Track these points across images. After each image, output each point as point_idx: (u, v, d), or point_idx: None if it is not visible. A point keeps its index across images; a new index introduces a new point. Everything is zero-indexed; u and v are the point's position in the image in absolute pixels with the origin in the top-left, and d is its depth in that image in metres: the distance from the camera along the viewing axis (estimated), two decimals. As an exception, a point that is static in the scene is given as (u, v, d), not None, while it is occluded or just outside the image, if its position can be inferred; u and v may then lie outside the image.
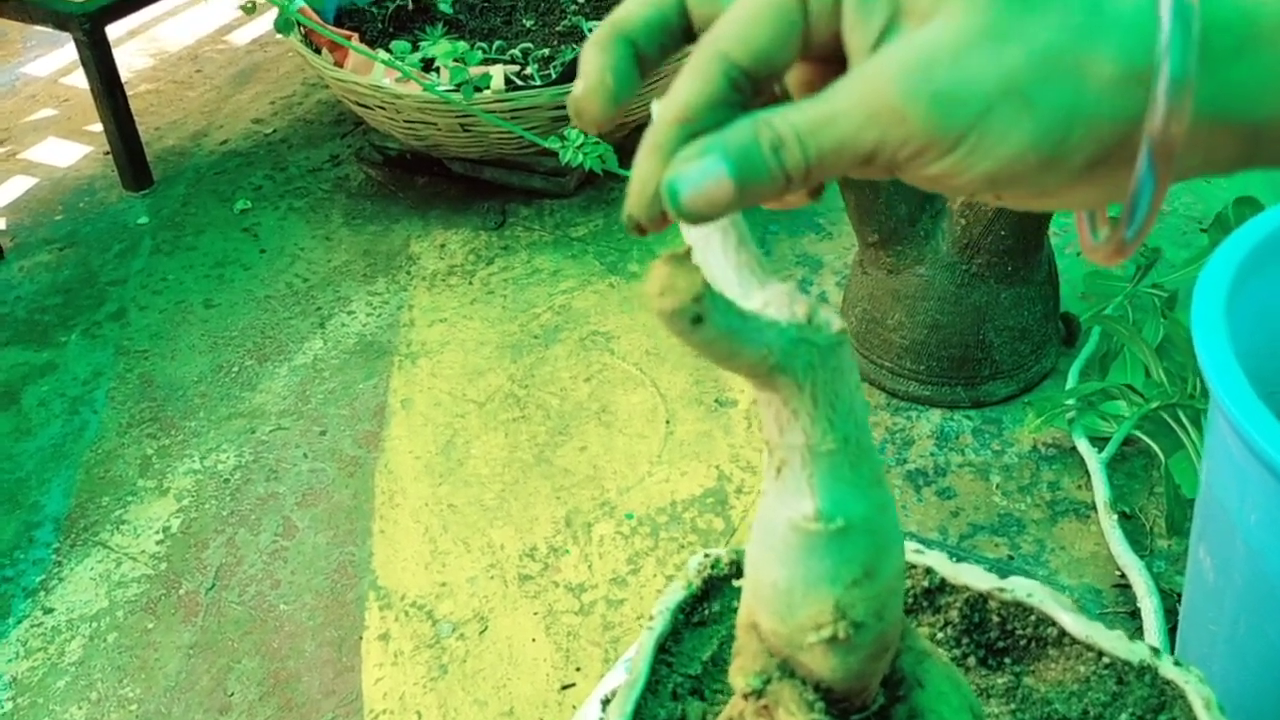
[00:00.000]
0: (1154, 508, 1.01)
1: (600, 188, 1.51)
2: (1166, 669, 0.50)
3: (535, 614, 0.97)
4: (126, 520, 1.10)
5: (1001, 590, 0.54)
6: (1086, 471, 1.05)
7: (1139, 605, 0.91)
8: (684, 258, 0.32)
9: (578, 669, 0.92)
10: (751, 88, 0.31)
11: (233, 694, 0.94)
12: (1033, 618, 0.54)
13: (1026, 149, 0.28)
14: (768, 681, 0.41)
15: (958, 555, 0.99)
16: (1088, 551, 0.98)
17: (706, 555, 0.57)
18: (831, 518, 0.38)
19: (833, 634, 0.39)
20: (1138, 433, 1.04)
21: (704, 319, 0.32)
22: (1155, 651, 0.51)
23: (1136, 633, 0.91)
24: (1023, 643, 0.54)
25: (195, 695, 0.94)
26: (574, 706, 0.90)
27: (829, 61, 0.32)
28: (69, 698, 0.94)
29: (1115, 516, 0.98)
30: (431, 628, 0.97)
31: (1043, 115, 0.28)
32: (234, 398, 1.24)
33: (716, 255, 0.38)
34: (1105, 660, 0.52)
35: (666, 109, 0.31)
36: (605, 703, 0.64)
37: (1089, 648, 0.53)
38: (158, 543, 1.08)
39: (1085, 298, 1.25)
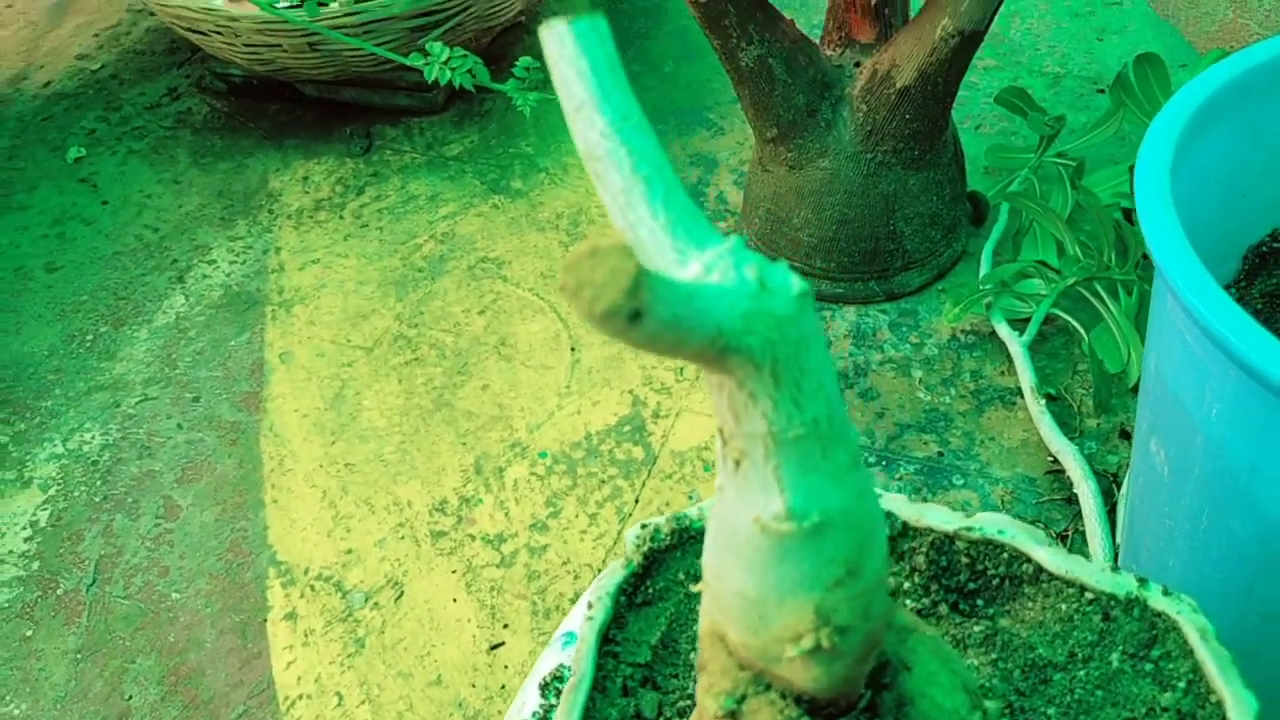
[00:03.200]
0: (1079, 386, 0.99)
1: (472, 101, 1.40)
2: (1155, 600, 0.46)
3: (453, 572, 0.90)
4: (-13, 520, 0.99)
5: (969, 529, 0.50)
6: (1008, 356, 1.02)
7: (1075, 491, 0.89)
8: (607, 244, 0.25)
9: (505, 626, 0.87)
10: None
11: (131, 698, 0.86)
12: (1005, 555, 0.49)
13: None
14: (742, 700, 0.35)
15: (887, 458, 0.96)
16: (1017, 440, 0.96)
17: (644, 527, 0.51)
18: (805, 515, 0.32)
19: (815, 644, 0.33)
20: (1056, 310, 1.01)
21: (643, 313, 0.25)
22: (1142, 582, 0.47)
23: (1075, 519, 0.89)
24: (995, 583, 0.50)
25: (89, 703, 0.86)
26: (505, 667, 0.84)
27: None
28: (-54, 726, 0.85)
29: (1042, 401, 0.95)
30: (342, 600, 0.90)
31: None
32: (92, 369, 1.12)
33: (641, 212, 0.31)
34: (1088, 595, 0.47)
35: None
36: (544, 687, 0.58)
37: (1069, 583, 0.48)
38: (26, 540, 0.97)
39: (989, 172, 1.21)
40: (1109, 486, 0.90)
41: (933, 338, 1.05)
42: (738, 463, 0.33)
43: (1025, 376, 0.98)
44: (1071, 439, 0.93)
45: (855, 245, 1.05)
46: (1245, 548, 0.60)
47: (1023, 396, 0.98)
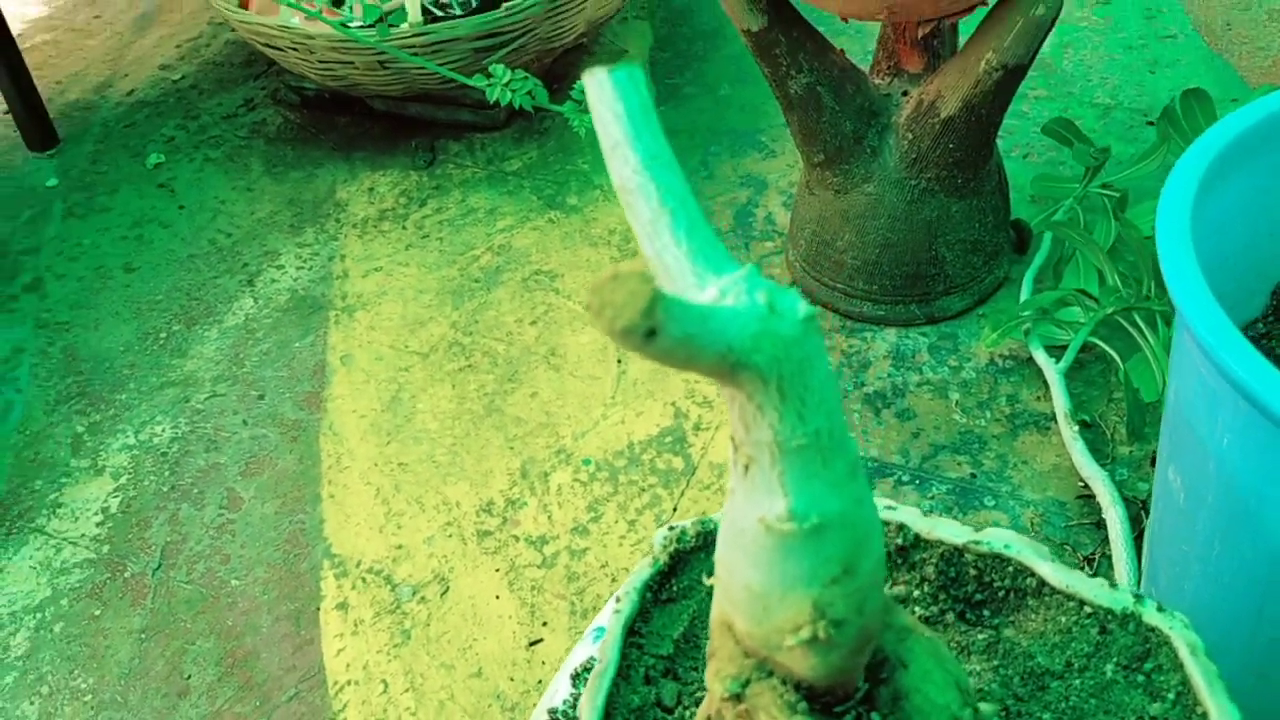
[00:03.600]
0: (1113, 414, 1.01)
1: (532, 119, 1.45)
2: (1150, 615, 0.49)
3: (497, 570, 0.95)
4: (63, 503, 1.05)
5: (977, 543, 0.53)
6: (1045, 382, 1.04)
7: (1104, 516, 0.91)
8: (628, 270, 0.29)
9: (544, 624, 0.91)
10: None
11: (190, 676, 0.91)
12: (1010, 569, 0.52)
13: None
14: (746, 684, 0.39)
15: (920, 477, 0.98)
16: (1050, 464, 0.98)
17: (671, 529, 0.54)
18: (805, 517, 0.36)
19: (812, 635, 0.37)
20: (1094, 339, 1.03)
21: (658, 331, 0.29)
22: (1139, 598, 0.49)
23: (1103, 543, 0.91)
24: (1001, 595, 0.52)
25: (151, 681, 0.91)
26: (543, 663, 0.88)
27: None
28: (19, 694, 0.91)
29: (1076, 427, 0.97)
30: (391, 592, 0.94)
31: None
32: (164, 366, 1.18)
33: (666, 241, 0.35)
34: (1087, 609, 0.50)
35: None
36: (575, 678, 0.61)
37: (1069, 597, 0.51)
38: (98, 525, 1.03)
39: (1035, 200, 1.23)
40: (1138, 513, 0.92)
41: (971, 361, 1.07)
42: (746, 468, 0.36)
43: (1060, 402, 1.00)
44: (1103, 465, 0.95)
45: (897, 269, 1.08)
46: (1255, 571, 0.62)
47: (1057, 422, 1.00)
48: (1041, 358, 1.04)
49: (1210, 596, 0.67)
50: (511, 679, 0.87)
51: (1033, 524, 0.93)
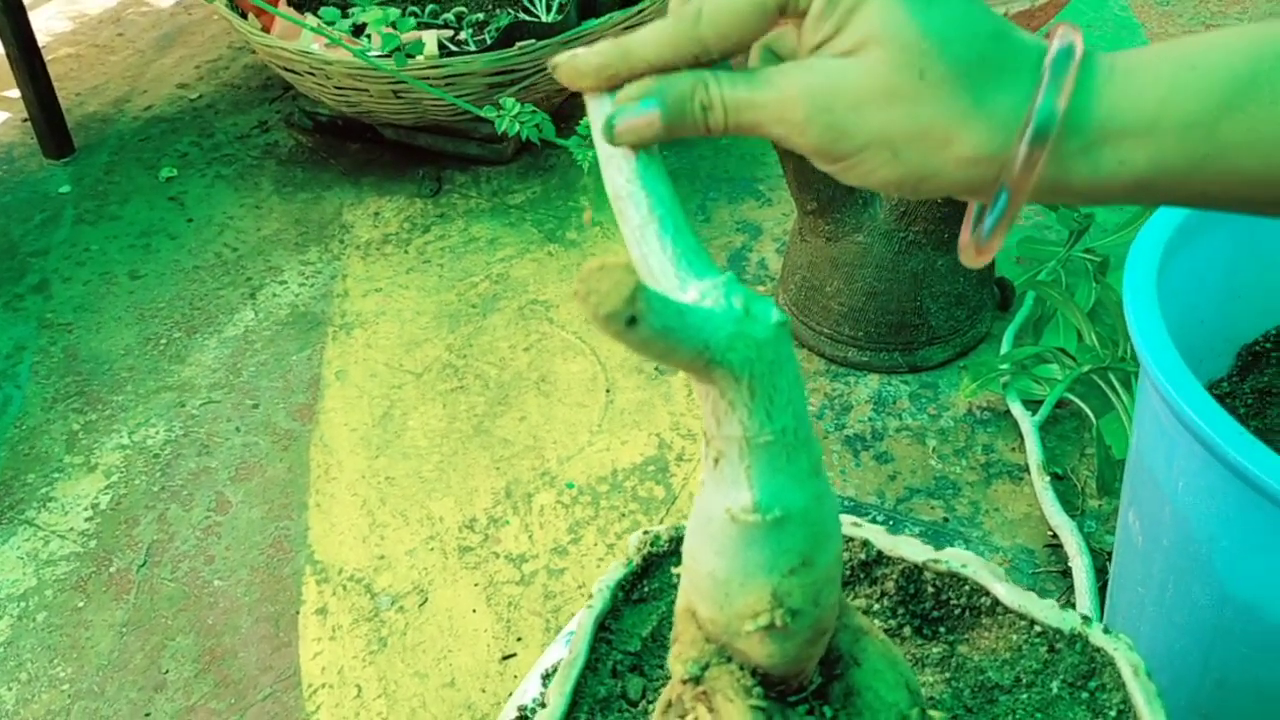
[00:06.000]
0: (1085, 469, 1.03)
1: (538, 155, 1.49)
2: (1096, 636, 0.51)
3: (476, 585, 0.97)
4: (54, 498, 1.07)
5: (937, 561, 0.55)
6: (1020, 434, 1.07)
7: (1070, 565, 0.93)
8: (614, 261, 0.32)
9: (519, 639, 0.92)
10: (711, 63, 0.38)
11: (167, 671, 0.92)
12: (967, 588, 0.55)
13: (890, 183, 0.37)
14: (705, 668, 0.41)
15: (894, 518, 1.01)
16: (1021, 513, 1.00)
17: (646, 533, 0.57)
18: (768, 509, 0.38)
19: (770, 622, 0.39)
20: (1070, 395, 1.06)
21: (639, 320, 0.32)
22: (1086, 620, 0.52)
23: (1068, 591, 0.93)
24: (957, 612, 0.55)
25: (129, 674, 0.92)
26: (515, 677, 0.90)
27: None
28: (-2, 681, 0.92)
29: (1048, 478, 1.00)
30: (370, 601, 0.96)
31: (905, 168, 0.37)
32: (162, 371, 1.21)
33: (653, 245, 0.38)
34: (1037, 628, 0.53)
35: (635, 50, 0.38)
36: (546, 678, 0.64)
37: (1021, 616, 0.53)
38: (87, 520, 1.05)
39: (1020, 262, 1.26)
40: (1104, 564, 0.95)
41: (950, 411, 1.10)
42: (716, 461, 0.39)
43: (1034, 454, 1.03)
44: (1073, 516, 0.98)
45: (883, 317, 1.11)
46: (1204, 615, 0.65)
47: (1030, 473, 1.03)
48: (1018, 410, 1.07)
49: (1163, 638, 0.69)
50: (484, 690, 0.89)
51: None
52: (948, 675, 0.53)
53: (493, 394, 1.15)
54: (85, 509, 1.06)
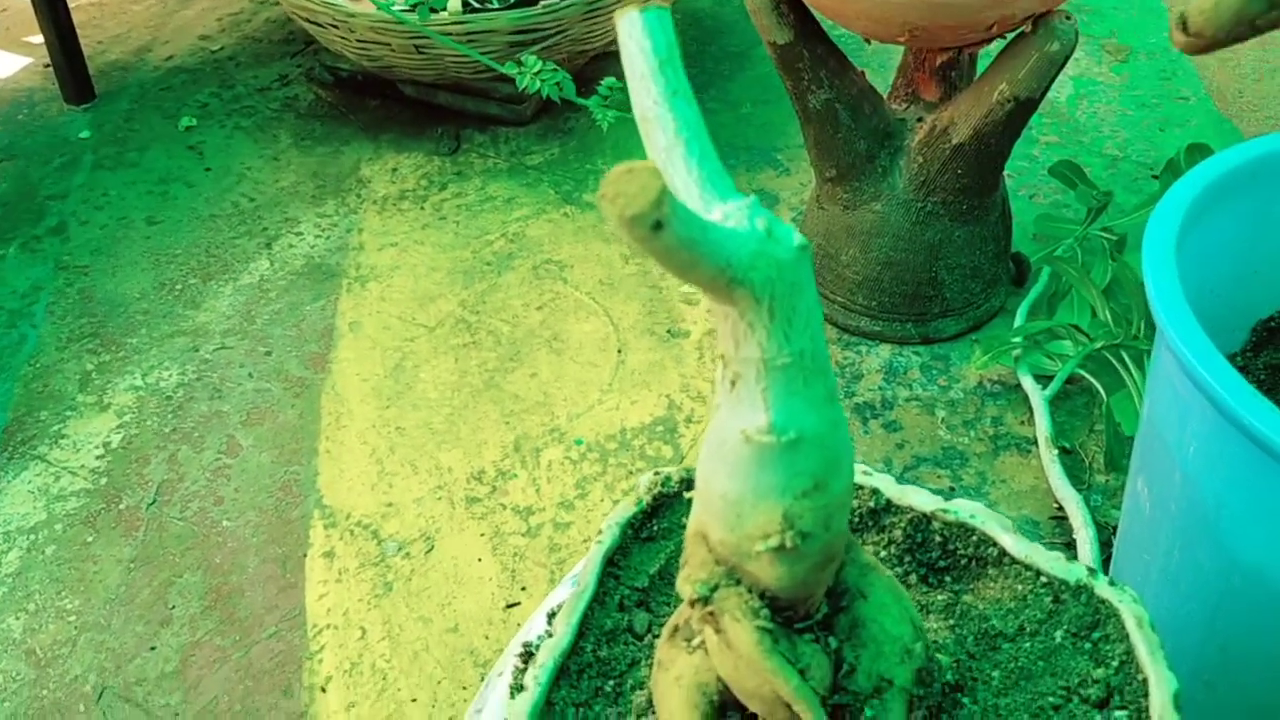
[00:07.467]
0: (1093, 444, 1.04)
1: (557, 116, 1.49)
2: (1101, 588, 0.52)
3: (482, 535, 0.97)
4: (66, 435, 1.08)
5: (945, 511, 0.55)
6: (1030, 408, 1.07)
7: (1074, 537, 0.94)
8: (641, 165, 0.32)
9: (523, 589, 0.93)
10: None
11: (174, 607, 0.93)
12: (974, 538, 0.55)
13: None
14: (714, 589, 0.41)
15: (901, 485, 1.01)
16: (1027, 485, 1.00)
17: (657, 473, 0.57)
18: (784, 430, 0.38)
19: (780, 543, 0.39)
20: (1081, 371, 1.06)
21: (664, 225, 0.32)
22: (1091, 571, 0.52)
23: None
24: (963, 562, 0.55)
25: (135, 608, 0.93)
26: (518, 624, 0.90)
27: None
28: (5, 608, 0.93)
29: (1055, 451, 1.00)
30: (377, 546, 0.97)
31: None
32: (177, 315, 1.21)
33: (679, 167, 0.38)
34: (1043, 579, 0.53)
35: None
36: (551, 616, 0.64)
37: (1028, 567, 0.54)
38: (98, 458, 1.06)
39: (1037, 239, 1.26)
40: (1109, 539, 0.95)
41: (960, 383, 1.10)
42: (733, 383, 0.39)
43: (1043, 427, 1.03)
44: (1079, 490, 0.98)
45: (897, 287, 1.11)
46: (1210, 580, 0.65)
47: (1038, 446, 1.03)
48: (1029, 384, 1.07)
49: (1168, 604, 0.70)
50: (486, 637, 0.89)
51: (1005, 539, 0.96)
52: (951, 622, 0.53)
53: (504, 350, 1.15)
54: (96, 447, 1.07)
